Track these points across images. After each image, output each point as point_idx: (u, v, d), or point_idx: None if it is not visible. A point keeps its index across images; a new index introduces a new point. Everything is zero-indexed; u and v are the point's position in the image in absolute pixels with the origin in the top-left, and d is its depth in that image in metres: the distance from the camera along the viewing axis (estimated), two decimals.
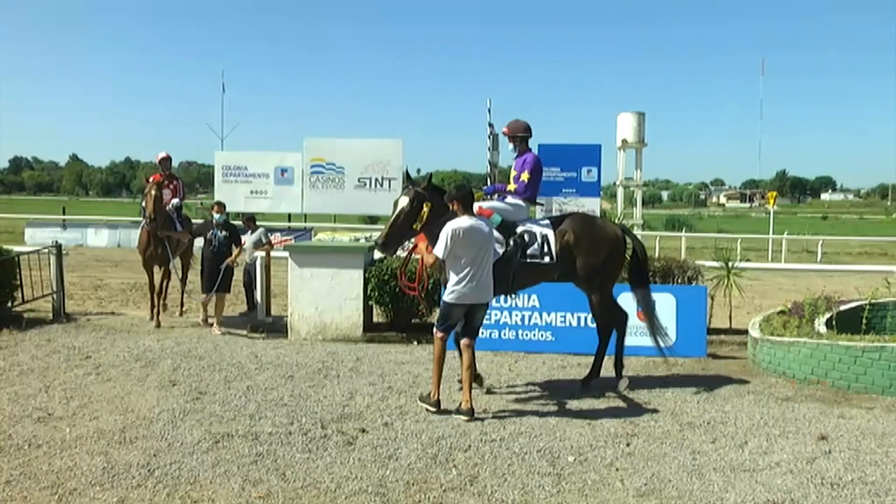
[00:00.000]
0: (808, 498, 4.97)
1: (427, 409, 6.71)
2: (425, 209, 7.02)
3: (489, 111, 13.17)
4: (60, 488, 4.90)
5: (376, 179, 12.04)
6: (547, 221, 7.79)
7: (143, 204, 11.18)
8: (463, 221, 6.57)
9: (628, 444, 5.96)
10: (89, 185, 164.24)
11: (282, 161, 13.53)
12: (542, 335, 9.41)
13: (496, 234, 7.14)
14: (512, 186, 7.86)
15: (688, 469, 5.43)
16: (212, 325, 10.60)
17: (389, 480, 5.14)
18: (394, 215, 7.07)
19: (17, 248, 12.12)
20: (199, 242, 11.26)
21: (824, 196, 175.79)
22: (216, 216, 10.72)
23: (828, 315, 8.89)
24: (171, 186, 11.59)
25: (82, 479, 5.04)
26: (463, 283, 6.57)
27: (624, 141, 20.87)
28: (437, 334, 6.78)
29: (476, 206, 7.10)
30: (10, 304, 11.01)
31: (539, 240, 7.48)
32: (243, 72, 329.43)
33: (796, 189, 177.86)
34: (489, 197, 8.05)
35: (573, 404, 7.10)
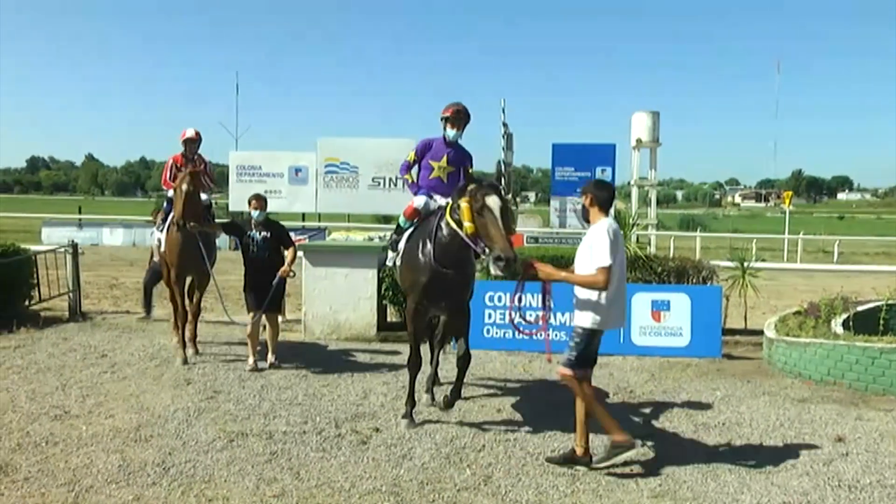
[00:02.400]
0: (825, 500, 4.93)
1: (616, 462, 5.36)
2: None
3: (503, 111, 13.17)
4: (77, 486, 4.94)
5: (390, 179, 12.03)
6: None
7: (168, 201, 9.08)
8: (612, 222, 5.39)
9: (643, 445, 5.93)
10: (105, 185, 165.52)
11: (296, 161, 13.56)
12: (555, 335, 9.37)
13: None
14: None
15: (703, 470, 5.40)
16: (260, 363, 8.30)
17: (403, 480, 5.15)
18: (498, 219, 5.50)
19: (33, 248, 12.22)
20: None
21: (841, 196, 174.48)
22: (254, 213, 8.43)
23: (844, 316, 8.81)
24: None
25: (98, 477, 5.08)
26: (613, 302, 5.31)
27: (638, 140, 20.81)
28: (572, 373, 5.38)
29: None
30: (27, 302, 11.09)
31: None
32: (257, 72, 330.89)
33: (812, 189, 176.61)
34: None
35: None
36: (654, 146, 21.05)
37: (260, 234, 8.32)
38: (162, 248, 9.03)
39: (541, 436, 6.10)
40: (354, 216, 24.89)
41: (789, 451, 5.82)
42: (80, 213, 35.52)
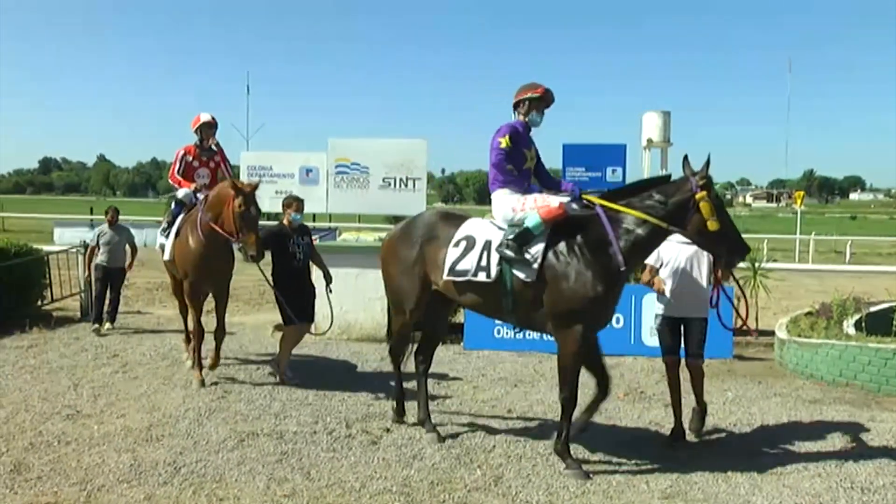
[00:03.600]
0: (838, 502, 4.90)
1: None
2: None
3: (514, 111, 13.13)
4: (89, 485, 4.96)
5: (401, 179, 11.98)
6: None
7: (178, 203, 8.06)
8: None
9: (653, 446, 5.92)
10: (116, 186, 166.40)
11: (306, 161, 13.53)
12: None
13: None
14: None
15: (714, 471, 5.37)
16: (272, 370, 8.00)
17: (414, 480, 5.15)
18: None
19: (46, 248, 12.30)
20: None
21: (853, 196, 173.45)
22: (294, 216, 7.77)
23: (857, 316, 8.77)
24: (211, 166, 8.33)
25: (110, 476, 5.10)
26: None
27: (649, 140, 20.73)
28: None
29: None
30: (39, 302, 11.16)
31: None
32: (268, 72, 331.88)
33: (824, 189, 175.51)
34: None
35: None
36: (664, 146, 20.94)
37: (304, 239, 7.79)
38: (167, 257, 7.89)
39: (551, 436, 6.08)
40: (365, 217, 24.85)
41: (801, 453, 5.79)
42: (91, 213, 35.67)
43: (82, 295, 11.31)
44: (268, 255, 7.52)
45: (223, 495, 4.86)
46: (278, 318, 10.26)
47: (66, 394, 7.09)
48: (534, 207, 5.50)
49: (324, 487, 5.00)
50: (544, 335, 9.37)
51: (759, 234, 31.79)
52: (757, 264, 10.37)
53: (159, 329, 10.49)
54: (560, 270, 5.37)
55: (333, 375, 7.97)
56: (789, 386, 7.89)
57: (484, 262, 5.57)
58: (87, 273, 10.86)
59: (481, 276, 5.56)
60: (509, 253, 5.41)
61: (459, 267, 5.66)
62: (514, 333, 9.36)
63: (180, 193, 8.12)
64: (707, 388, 7.69)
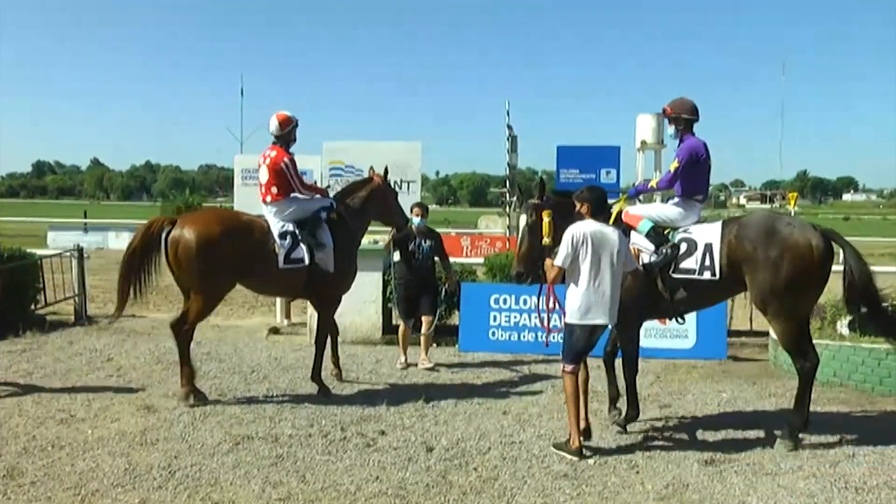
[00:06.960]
0: (832, 502, 4.92)
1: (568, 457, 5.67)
2: (546, 219, 6.12)
3: (508, 113, 13.19)
4: (83, 489, 4.95)
5: (395, 182, 12.03)
6: (718, 224, 6.31)
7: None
8: (587, 225, 5.74)
9: (649, 447, 5.93)
10: (110, 189, 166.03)
11: (301, 164, 13.58)
12: (561, 338, 9.35)
13: (644, 242, 6.26)
14: (655, 181, 6.84)
15: (709, 472, 5.39)
16: (411, 363, 8.57)
17: (409, 482, 5.15)
18: (518, 239, 6.41)
19: (39, 252, 12.25)
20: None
21: (846, 196, 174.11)
22: (416, 220, 8.65)
23: (850, 317, 8.78)
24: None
25: (104, 481, 5.09)
26: (586, 298, 5.71)
27: (643, 142, 20.72)
28: (568, 369, 5.80)
29: (624, 210, 6.46)
30: (33, 306, 11.12)
31: (699, 249, 6.14)
32: (262, 75, 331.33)
33: (818, 189, 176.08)
34: (634, 200, 7.06)
35: (592, 407, 7.05)
36: (658, 148, 20.99)
37: (426, 242, 8.62)
38: (332, 268, 7.35)
39: (546, 438, 6.10)
40: None
41: (796, 453, 5.80)
42: (85, 217, 35.66)
43: (76, 299, 11.28)
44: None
45: (218, 499, 4.85)
46: (273, 322, 10.34)
47: (60, 398, 7.06)
48: None
49: (319, 491, 5.00)
50: (539, 337, 9.45)
51: None
52: None
53: (153, 333, 10.45)
54: None
55: (328, 378, 7.95)
56: (784, 387, 7.89)
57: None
58: None
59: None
60: None
61: None
62: (508, 336, 9.39)
63: (325, 201, 7.93)
64: (702, 389, 7.77)
